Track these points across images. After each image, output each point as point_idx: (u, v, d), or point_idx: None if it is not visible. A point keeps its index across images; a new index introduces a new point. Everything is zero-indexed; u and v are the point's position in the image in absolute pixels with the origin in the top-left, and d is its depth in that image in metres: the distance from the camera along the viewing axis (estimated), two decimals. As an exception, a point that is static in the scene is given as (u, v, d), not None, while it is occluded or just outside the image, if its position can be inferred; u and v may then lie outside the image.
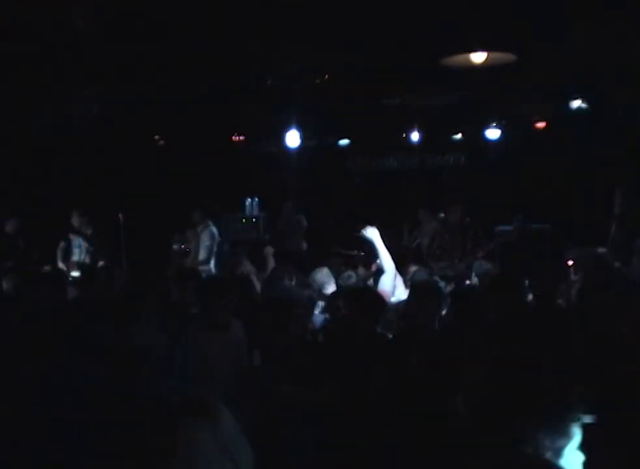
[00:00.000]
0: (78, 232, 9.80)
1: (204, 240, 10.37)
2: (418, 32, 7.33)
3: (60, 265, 9.55)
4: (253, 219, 12.56)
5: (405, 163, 13.10)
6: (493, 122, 11.51)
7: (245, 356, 5.26)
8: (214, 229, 10.51)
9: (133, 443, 3.11)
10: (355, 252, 9.52)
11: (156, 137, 11.86)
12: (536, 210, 11.22)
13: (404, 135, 11.83)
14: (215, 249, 10.44)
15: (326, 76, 9.16)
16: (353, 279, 6.57)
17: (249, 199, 12.71)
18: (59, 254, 9.76)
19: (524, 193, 11.68)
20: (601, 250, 9.49)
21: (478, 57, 7.76)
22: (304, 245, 11.78)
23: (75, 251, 9.77)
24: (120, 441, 3.35)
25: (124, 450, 3.21)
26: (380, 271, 6.66)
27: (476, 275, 7.22)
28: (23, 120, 9.20)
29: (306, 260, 10.31)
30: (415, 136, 11.53)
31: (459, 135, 12.76)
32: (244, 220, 12.53)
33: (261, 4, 6.58)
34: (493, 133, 11.64)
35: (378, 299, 5.59)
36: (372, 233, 6.74)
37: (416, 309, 5.44)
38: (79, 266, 9.48)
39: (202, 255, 10.29)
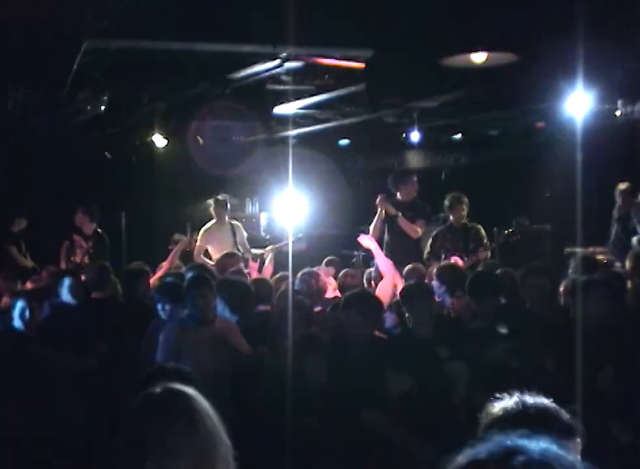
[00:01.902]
0: (80, 232, 9.74)
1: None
2: (419, 32, 7.31)
3: (63, 265, 9.47)
4: (253, 219, 12.50)
5: (405, 163, 13.08)
6: (493, 122, 11.51)
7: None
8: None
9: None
10: (356, 253, 9.49)
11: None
12: (536, 210, 11.19)
13: (404, 135, 11.80)
14: None
15: (326, 76, 9.13)
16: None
17: (249, 199, 12.65)
18: (63, 254, 9.69)
19: (525, 193, 11.65)
20: (600, 250, 9.50)
21: (479, 57, 7.71)
22: (304, 246, 11.75)
23: (78, 251, 9.68)
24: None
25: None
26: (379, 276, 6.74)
27: None
28: (23, 120, 9.20)
29: (305, 261, 10.27)
30: (415, 136, 11.50)
31: (459, 135, 12.73)
32: (244, 220, 12.38)
33: (257, 4, 6.58)
34: (492, 133, 11.70)
35: (377, 303, 5.59)
36: (368, 241, 6.77)
37: (407, 309, 5.48)
38: (80, 266, 9.42)
39: None
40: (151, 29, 6.96)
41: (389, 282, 6.67)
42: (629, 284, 6.74)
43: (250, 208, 12.87)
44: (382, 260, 6.83)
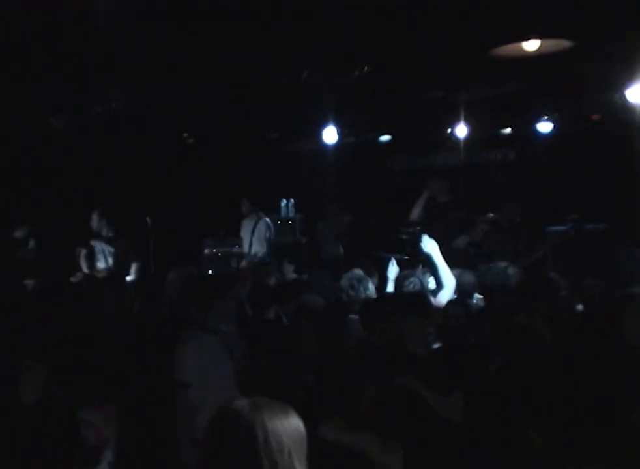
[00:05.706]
0: (98, 237, 9.52)
1: (262, 231, 10.66)
2: (466, 20, 6.87)
3: (85, 272, 9.24)
4: (289, 222, 12.39)
5: (450, 161, 12.75)
6: (545, 114, 11.16)
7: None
8: (268, 220, 10.83)
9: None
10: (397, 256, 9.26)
11: (185, 135, 11.61)
12: (592, 208, 10.75)
13: (449, 131, 11.46)
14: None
15: (365, 68, 8.78)
16: (418, 286, 6.31)
17: (285, 200, 12.52)
18: (83, 262, 9.44)
19: (579, 191, 11.23)
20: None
21: (531, 45, 7.38)
22: (341, 251, 11.66)
23: (99, 256, 9.46)
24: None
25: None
26: (439, 285, 6.41)
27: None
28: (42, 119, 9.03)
29: (342, 265, 10.09)
30: (461, 131, 11.11)
31: (508, 130, 12.37)
32: (279, 222, 12.30)
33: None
34: (544, 127, 11.34)
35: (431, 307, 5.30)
36: (430, 247, 6.44)
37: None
38: (108, 272, 9.20)
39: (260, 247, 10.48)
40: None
41: (449, 293, 6.30)
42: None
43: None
44: (445, 269, 6.45)
